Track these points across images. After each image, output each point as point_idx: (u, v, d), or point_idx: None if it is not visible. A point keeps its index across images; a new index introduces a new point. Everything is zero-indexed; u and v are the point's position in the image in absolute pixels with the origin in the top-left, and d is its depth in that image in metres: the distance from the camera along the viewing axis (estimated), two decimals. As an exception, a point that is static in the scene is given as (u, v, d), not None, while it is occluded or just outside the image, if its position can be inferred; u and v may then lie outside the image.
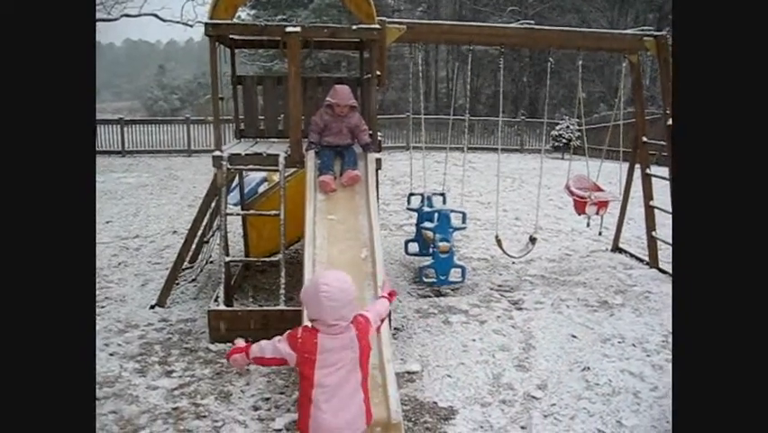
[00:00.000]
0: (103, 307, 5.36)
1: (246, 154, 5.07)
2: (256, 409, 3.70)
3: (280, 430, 3.44)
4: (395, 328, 4.97)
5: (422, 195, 6.35)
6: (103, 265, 6.53)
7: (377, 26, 4.99)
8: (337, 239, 4.50)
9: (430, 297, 5.71)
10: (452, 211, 5.78)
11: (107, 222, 8.62)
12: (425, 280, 5.70)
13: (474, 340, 4.76)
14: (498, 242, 5.99)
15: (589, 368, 4.29)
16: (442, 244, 5.62)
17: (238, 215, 5.26)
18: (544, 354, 4.51)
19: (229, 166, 5.01)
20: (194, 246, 5.89)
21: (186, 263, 6.28)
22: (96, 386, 3.94)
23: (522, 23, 5.60)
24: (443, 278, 5.67)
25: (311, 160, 4.90)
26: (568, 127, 16.77)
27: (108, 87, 69.09)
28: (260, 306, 5.40)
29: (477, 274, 6.44)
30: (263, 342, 2.58)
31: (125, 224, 8.60)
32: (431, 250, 5.76)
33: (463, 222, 5.94)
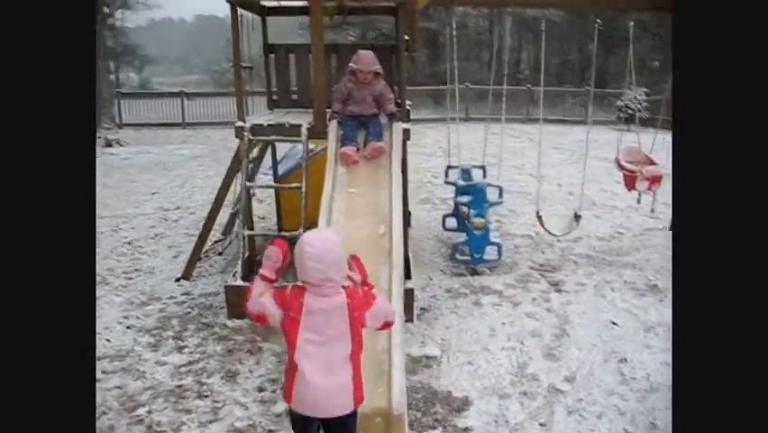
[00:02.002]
0: (130, 279, 5.36)
1: (269, 125, 4.87)
2: (261, 390, 3.56)
3: (280, 415, 3.27)
4: (421, 308, 4.72)
5: (459, 167, 6.00)
6: (140, 237, 6.57)
7: (405, -12, 4.63)
8: (356, 214, 4.26)
9: (464, 275, 5.40)
10: (488, 185, 5.41)
11: (153, 193, 8.71)
12: (459, 257, 5.39)
13: (504, 324, 4.44)
14: (539, 218, 5.58)
15: (626, 360, 3.91)
16: (476, 220, 5.28)
17: (259, 187, 5.09)
18: (577, 343, 4.14)
19: (251, 137, 4.84)
20: (224, 219, 5.80)
21: (219, 236, 6.24)
22: (107, 360, 3.90)
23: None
24: (477, 256, 5.34)
25: (333, 131, 4.64)
26: (635, 98, 15.75)
27: (179, 62, 70.96)
28: (287, 281, 5.25)
29: (518, 252, 6.06)
30: (259, 285, 2.46)
31: (170, 195, 8.66)
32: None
33: (500, 197, 5.57)
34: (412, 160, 9.42)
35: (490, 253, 5.39)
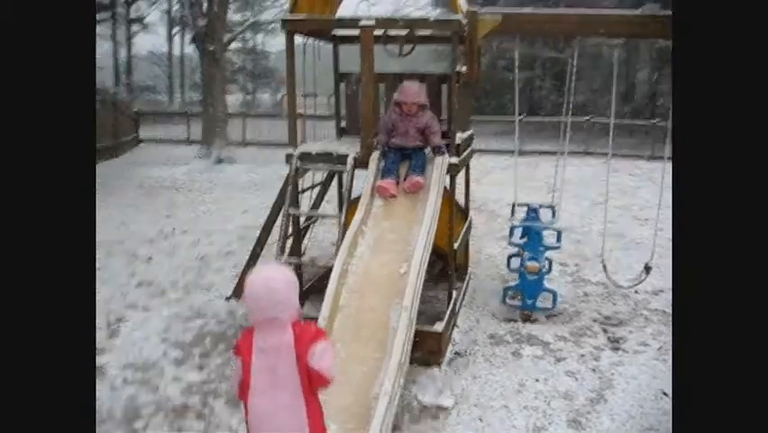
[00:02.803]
0: (188, 293, 5.61)
1: (317, 153, 4.90)
2: (257, 420, 3.51)
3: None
4: (455, 353, 4.48)
5: (528, 206, 5.66)
6: (212, 253, 6.88)
7: (457, 17, 4.48)
8: (382, 250, 4.14)
9: (515, 321, 5.04)
10: (545, 228, 5.04)
11: (244, 212, 9.12)
12: (509, 302, 5.05)
13: (537, 380, 4.08)
14: (604, 267, 5.10)
15: (661, 438, 3.41)
16: (530, 264, 4.93)
17: (301, 215, 5.11)
18: (613, 412, 3.69)
19: (298, 165, 4.90)
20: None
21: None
22: (131, 369, 4.08)
23: (646, 9, 4.65)
24: (530, 302, 4.97)
25: (374, 162, 4.57)
26: None
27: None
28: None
29: (586, 301, 5.58)
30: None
31: (258, 215, 8.96)
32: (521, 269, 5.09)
33: (557, 241, 5.16)
34: (507, 193, 9.13)
35: (544, 300, 5.00)
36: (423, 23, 4.66)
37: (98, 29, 30.24)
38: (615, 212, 9.78)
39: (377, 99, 4.91)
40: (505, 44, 21.98)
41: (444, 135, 4.68)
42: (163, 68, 34.42)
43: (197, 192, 10.48)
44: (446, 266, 6.22)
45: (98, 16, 30.89)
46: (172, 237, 7.50)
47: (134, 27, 31.89)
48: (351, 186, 4.77)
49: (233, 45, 30.30)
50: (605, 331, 4.92)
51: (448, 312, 4.53)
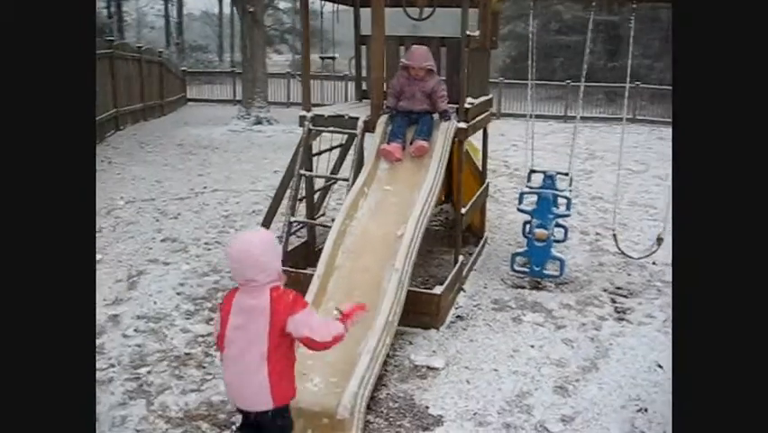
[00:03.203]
0: (208, 249, 5.83)
1: (328, 116, 4.97)
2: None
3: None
4: (457, 316, 4.54)
5: (544, 173, 5.60)
6: (238, 212, 7.08)
7: (468, -20, 4.40)
8: (383, 212, 4.21)
9: (523, 288, 5.06)
10: (555, 194, 4.98)
11: (275, 171, 9.29)
12: (516, 268, 5.06)
13: (532, 346, 4.11)
14: (615, 237, 5.02)
15: (646, 410, 3.41)
16: (538, 231, 4.91)
17: (311, 176, 5.21)
18: (602, 381, 3.70)
19: (311, 127, 4.97)
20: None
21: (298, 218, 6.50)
22: (144, 320, 4.32)
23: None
24: (537, 269, 4.97)
25: (380, 125, 4.61)
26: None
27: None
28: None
29: (600, 270, 5.52)
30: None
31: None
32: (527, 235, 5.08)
33: (567, 209, 5.09)
34: (545, 158, 8.99)
35: (551, 268, 4.98)
36: (433, -15, 4.59)
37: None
38: (652, 181, 9.53)
39: (397, 59, 4.90)
40: (555, 7, 21.28)
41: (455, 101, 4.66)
42: (214, 28, 34.84)
43: (233, 152, 10.72)
44: (467, 230, 6.30)
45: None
46: (201, 195, 7.75)
47: (186, -13, 32.26)
48: (361, 149, 4.83)
49: (283, 5, 30.40)
50: (613, 301, 4.88)
51: (450, 276, 4.58)
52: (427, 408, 3.38)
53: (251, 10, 12.55)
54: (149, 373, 3.65)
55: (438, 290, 4.32)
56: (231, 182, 8.51)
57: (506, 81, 17.43)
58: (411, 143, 4.49)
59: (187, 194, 7.79)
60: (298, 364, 3.23)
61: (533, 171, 5.79)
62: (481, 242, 5.93)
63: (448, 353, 4.00)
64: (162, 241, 5.98)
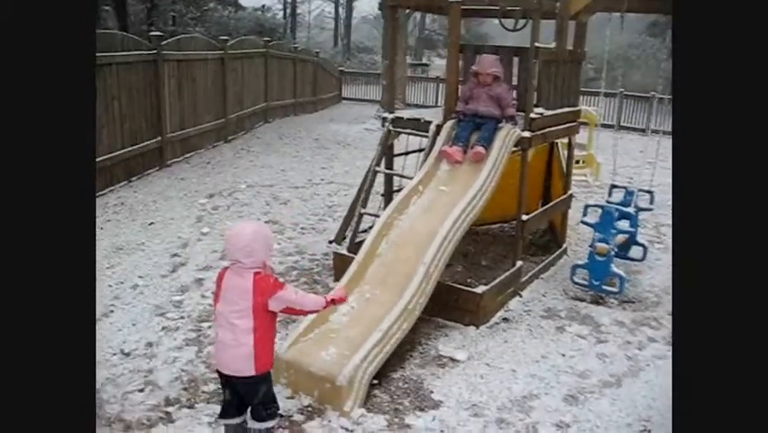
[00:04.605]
0: (302, 233, 6.48)
1: (407, 119, 5.34)
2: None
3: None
4: (503, 318, 4.69)
5: (625, 188, 5.49)
6: (343, 203, 7.65)
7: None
8: (432, 211, 4.49)
9: (582, 300, 5.04)
10: (619, 210, 4.88)
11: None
12: (576, 280, 5.04)
13: (563, 355, 4.16)
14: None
15: (650, 432, 3.37)
16: (599, 245, 4.86)
17: (383, 173, 5.58)
18: (618, 397, 3.68)
19: (391, 128, 5.39)
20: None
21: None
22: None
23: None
24: (596, 283, 4.92)
25: (446, 129, 4.88)
26: None
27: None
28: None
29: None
30: None
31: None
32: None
33: (631, 225, 4.96)
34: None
35: (611, 283, 4.90)
36: (507, 0, 4.74)
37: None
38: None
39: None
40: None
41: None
42: (380, 29, 36.45)
43: (361, 149, 11.42)
44: (553, 238, 6.33)
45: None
46: (316, 186, 8.48)
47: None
48: (430, 150, 5.14)
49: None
50: (677, 325, 4.69)
51: (499, 279, 4.73)
52: (432, 392, 3.64)
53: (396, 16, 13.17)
54: (209, 327, 4.30)
55: (480, 289, 4.51)
56: (347, 176, 9.16)
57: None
58: (472, 148, 4.72)
59: (303, 184, 8.57)
60: (320, 336, 3.70)
61: (614, 186, 5.68)
62: (558, 251, 5.93)
63: (476, 349, 4.19)
64: (265, 222, 6.73)
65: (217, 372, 3.02)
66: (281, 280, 2.98)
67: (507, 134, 4.66)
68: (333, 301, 3.15)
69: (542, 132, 4.92)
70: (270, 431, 3.02)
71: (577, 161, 8.95)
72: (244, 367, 2.87)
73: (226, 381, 2.98)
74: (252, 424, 2.97)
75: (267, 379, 2.98)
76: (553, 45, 4.88)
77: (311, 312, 3.25)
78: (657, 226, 7.28)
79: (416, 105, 18.06)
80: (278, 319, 3.02)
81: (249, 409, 2.99)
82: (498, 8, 5.04)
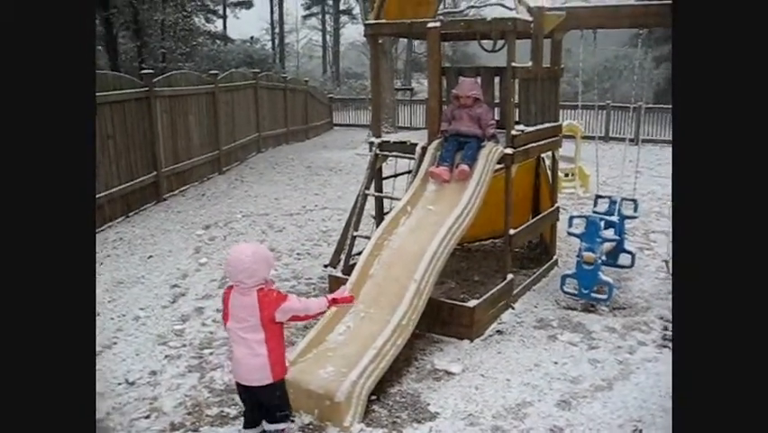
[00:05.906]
0: (299, 259, 6.62)
1: (393, 142, 5.53)
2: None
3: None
4: (497, 331, 4.82)
5: (609, 198, 5.66)
6: (337, 227, 7.80)
7: (510, 16, 4.74)
8: (421, 229, 4.64)
9: (573, 309, 5.17)
10: (603, 219, 5.04)
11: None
12: (565, 290, 5.18)
13: (556, 363, 4.28)
14: (666, 264, 4.95)
15: (641, 431, 3.48)
16: (586, 254, 5.01)
17: (373, 195, 5.76)
18: (609, 400, 3.80)
19: (378, 152, 5.57)
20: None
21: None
22: (220, 314, 5.13)
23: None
24: (585, 292, 5.06)
25: (431, 150, 5.06)
26: None
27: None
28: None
29: (665, 298, 5.39)
30: None
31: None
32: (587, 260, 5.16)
33: (617, 234, 5.11)
34: (643, 184, 8.73)
35: (600, 291, 5.04)
36: (482, 24, 4.95)
37: (311, 21, 33.67)
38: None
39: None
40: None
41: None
42: (368, 55, 37.05)
43: (353, 174, 11.61)
44: (544, 251, 6.48)
45: (311, 9, 34.38)
46: (310, 213, 8.64)
47: (343, 18, 34.82)
48: (417, 172, 5.31)
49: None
50: (664, 329, 4.82)
51: (490, 292, 4.87)
52: (428, 405, 3.75)
53: (379, 42, 13.47)
54: (210, 354, 4.42)
55: (472, 303, 4.64)
56: (341, 201, 9.33)
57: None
58: (457, 167, 4.89)
59: (297, 210, 8.74)
60: (318, 355, 3.83)
61: (599, 197, 5.85)
62: (548, 263, 6.07)
63: (471, 361, 4.31)
64: (262, 249, 6.87)
65: (236, 383, 3.21)
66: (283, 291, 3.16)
67: (491, 152, 4.84)
68: (336, 301, 3.35)
69: (524, 148, 5.10)
70: None
71: (567, 174, 9.18)
72: (262, 376, 3.07)
73: (245, 390, 3.17)
74: (267, 426, 3.21)
75: (282, 385, 3.19)
76: (529, 64, 5.08)
77: (317, 315, 3.37)
78: (647, 233, 7.45)
79: (407, 128, 18.31)
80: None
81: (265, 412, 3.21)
82: (475, 31, 5.25)
